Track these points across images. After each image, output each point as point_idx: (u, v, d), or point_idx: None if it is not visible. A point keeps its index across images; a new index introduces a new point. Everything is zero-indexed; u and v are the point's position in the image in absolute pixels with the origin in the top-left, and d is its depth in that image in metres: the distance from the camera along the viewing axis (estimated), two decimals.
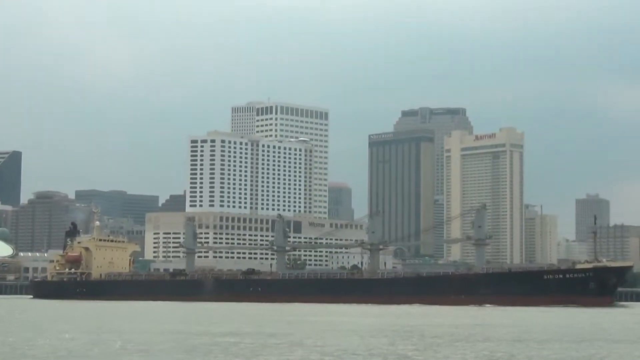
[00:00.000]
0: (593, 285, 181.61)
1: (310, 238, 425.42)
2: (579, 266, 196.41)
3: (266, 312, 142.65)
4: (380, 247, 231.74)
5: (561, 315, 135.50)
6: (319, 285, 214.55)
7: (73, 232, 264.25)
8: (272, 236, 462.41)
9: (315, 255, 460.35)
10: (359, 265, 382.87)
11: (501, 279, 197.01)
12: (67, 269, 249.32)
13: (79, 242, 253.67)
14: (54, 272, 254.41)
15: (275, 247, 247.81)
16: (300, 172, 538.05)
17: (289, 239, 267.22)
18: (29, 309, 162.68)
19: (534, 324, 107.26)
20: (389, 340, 76.95)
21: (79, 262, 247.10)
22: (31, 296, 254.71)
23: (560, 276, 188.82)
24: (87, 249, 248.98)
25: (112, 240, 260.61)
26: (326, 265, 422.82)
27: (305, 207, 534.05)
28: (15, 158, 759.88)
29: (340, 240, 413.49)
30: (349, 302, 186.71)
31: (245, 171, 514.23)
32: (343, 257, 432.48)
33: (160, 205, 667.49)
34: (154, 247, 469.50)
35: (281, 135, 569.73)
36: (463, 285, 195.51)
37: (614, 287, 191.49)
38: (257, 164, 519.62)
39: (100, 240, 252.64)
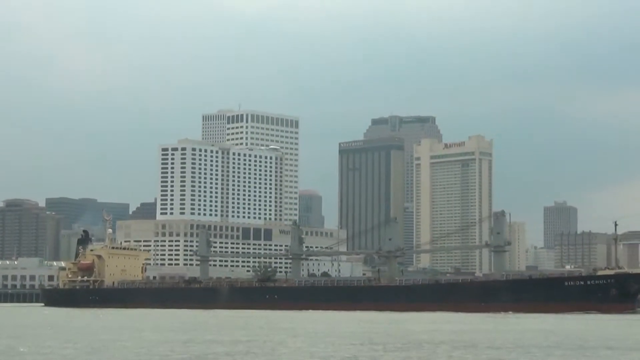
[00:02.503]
0: (614, 292, 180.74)
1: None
2: (600, 273, 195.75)
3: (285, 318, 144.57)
4: (398, 254, 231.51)
5: (577, 322, 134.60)
6: (336, 293, 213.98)
7: (85, 240, 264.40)
8: (244, 243, 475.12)
9: (286, 263, 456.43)
10: (329, 273, 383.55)
11: (521, 285, 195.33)
12: (79, 277, 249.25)
13: (91, 250, 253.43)
14: (66, 280, 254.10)
15: (291, 255, 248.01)
16: (270, 179, 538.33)
17: (304, 246, 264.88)
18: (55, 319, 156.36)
19: (545, 331, 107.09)
20: (369, 347, 77.95)
21: (92, 270, 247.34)
22: (42, 304, 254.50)
23: (581, 283, 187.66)
24: (99, 256, 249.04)
25: (124, 248, 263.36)
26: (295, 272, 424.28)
27: (275, 214, 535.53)
28: None
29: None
30: (366, 309, 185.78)
31: (216, 179, 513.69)
32: (313, 265, 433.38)
33: (131, 213, 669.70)
34: None
35: (252, 143, 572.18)
36: (483, 293, 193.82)
37: (636, 294, 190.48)
38: (227, 171, 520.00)
39: (112, 248, 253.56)
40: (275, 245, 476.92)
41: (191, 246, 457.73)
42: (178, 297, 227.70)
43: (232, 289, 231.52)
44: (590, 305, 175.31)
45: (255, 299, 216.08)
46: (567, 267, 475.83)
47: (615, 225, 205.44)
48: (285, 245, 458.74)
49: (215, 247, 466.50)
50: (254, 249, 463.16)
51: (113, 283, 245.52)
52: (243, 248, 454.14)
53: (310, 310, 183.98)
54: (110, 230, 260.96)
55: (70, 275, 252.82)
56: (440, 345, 79.59)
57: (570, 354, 71.93)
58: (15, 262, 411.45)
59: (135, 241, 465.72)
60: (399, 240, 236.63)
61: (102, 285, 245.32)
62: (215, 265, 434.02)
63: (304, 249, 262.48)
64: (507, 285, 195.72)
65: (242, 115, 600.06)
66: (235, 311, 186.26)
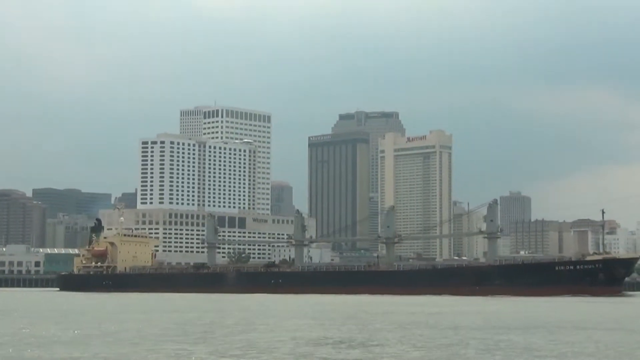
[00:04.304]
0: (602, 276, 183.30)
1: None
2: (588, 258, 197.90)
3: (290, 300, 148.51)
4: (395, 240, 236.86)
5: (564, 305, 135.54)
6: (337, 277, 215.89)
7: (98, 227, 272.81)
8: (219, 231, 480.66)
9: (258, 249, 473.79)
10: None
11: (514, 270, 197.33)
12: (93, 263, 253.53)
13: (105, 238, 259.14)
14: (81, 265, 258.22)
15: (294, 241, 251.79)
16: (244, 171, 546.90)
17: (308, 235, 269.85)
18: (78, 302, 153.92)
19: (529, 312, 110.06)
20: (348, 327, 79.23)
21: (105, 256, 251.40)
22: (58, 289, 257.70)
23: (571, 267, 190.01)
24: (112, 243, 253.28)
25: (135, 236, 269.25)
26: (269, 258, 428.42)
27: (249, 204, 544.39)
28: None
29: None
30: (365, 293, 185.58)
31: (193, 170, 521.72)
32: (283, 250, 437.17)
33: (112, 202, 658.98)
34: None
35: (227, 137, 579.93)
36: (477, 277, 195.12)
37: (622, 278, 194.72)
38: (204, 163, 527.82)
39: (124, 235, 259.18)
40: (249, 233, 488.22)
41: (170, 234, 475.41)
42: (187, 282, 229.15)
43: (239, 274, 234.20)
44: (579, 289, 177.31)
45: (261, 283, 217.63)
46: (522, 252, 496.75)
47: (603, 212, 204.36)
48: (259, 233, 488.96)
49: (193, 234, 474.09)
50: (229, 236, 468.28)
51: (125, 268, 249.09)
52: (218, 235, 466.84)
53: (312, 294, 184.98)
54: (122, 219, 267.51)
55: (84, 262, 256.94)
56: (425, 326, 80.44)
57: (541, 333, 71.88)
58: (4, 249, 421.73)
59: (116, 229, 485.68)
60: (395, 228, 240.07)
61: (114, 271, 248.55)
62: (190, 251, 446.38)
63: (307, 236, 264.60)
64: (501, 270, 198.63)
65: (217, 110, 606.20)
66: (241, 295, 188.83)
